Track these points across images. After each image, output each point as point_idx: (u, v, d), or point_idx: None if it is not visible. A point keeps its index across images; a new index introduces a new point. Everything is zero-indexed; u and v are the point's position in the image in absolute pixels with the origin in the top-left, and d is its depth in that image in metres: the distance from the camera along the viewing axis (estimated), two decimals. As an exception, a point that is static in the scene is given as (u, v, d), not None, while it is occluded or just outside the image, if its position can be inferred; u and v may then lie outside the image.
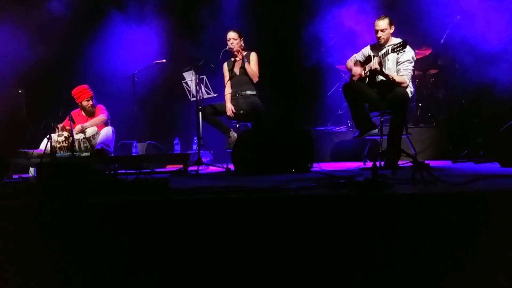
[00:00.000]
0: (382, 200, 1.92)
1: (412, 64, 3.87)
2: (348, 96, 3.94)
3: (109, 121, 4.87)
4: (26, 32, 5.54)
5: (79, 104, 4.82)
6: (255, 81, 4.66)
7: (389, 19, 3.93)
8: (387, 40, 3.93)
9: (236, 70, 4.77)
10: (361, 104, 3.96)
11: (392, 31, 3.94)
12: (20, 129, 5.31)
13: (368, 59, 4.06)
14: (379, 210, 1.89)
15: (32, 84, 5.79)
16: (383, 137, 3.99)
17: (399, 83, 3.77)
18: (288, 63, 6.72)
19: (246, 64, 4.63)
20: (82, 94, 4.78)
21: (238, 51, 4.63)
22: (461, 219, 1.85)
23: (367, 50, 4.15)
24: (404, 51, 3.69)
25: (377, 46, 4.02)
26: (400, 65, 3.83)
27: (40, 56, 5.69)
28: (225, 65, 4.87)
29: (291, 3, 6.87)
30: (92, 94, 4.84)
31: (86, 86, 4.87)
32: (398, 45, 3.66)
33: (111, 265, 1.96)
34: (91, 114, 4.84)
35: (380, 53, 3.81)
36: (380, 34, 3.92)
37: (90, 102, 4.80)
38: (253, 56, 4.68)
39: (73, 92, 4.81)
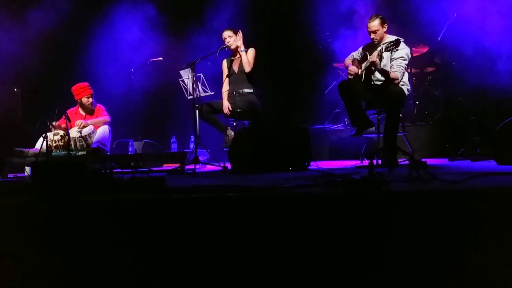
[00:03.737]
0: (378, 198, 1.92)
1: (406, 61, 3.87)
2: (344, 94, 3.94)
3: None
4: (21, 30, 5.51)
5: (79, 100, 4.79)
6: (247, 71, 4.60)
7: (380, 18, 3.93)
8: (381, 39, 3.93)
9: (235, 68, 4.76)
10: (357, 102, 3.96)
11: (385, 30, 3.93)
12: (15, 128, 5.28)
13: (364, 57, 4.06)
14: (376, 208, 1.89)
15: (28, 82, 5.76)
16: (380, 135, 4.00)
17: (392, 80, 3.79)
18: (285, 61, 6.71)
19: (243, 53, 4.62)
20: (83, 90, 4.77)
21: (236, 48, 4.63)
22: (458, 217, 1.85)
23: (363, 49, 4.16)
24: (397, 49, 3.70)
25: (373, 44, 4.03)
26: (394, 61, 3.84)
27: (36, 54, 5.66)
28: (224, 62, 4.87)
29: (288, 1, 6.87)
30: (92, 92, 4.83)
31: (86, 83, 4.87)
32: (391, 43, 3.67)
33: (108, 263, 1.95)
34: (90, 112, 4.82)
35: (375, 52, 3.81)
36: (372, 35, 3.93)
37: (90, 100, 4.80)
38: (251, 50, 4.68)
39: (73, 88, 4.80)
